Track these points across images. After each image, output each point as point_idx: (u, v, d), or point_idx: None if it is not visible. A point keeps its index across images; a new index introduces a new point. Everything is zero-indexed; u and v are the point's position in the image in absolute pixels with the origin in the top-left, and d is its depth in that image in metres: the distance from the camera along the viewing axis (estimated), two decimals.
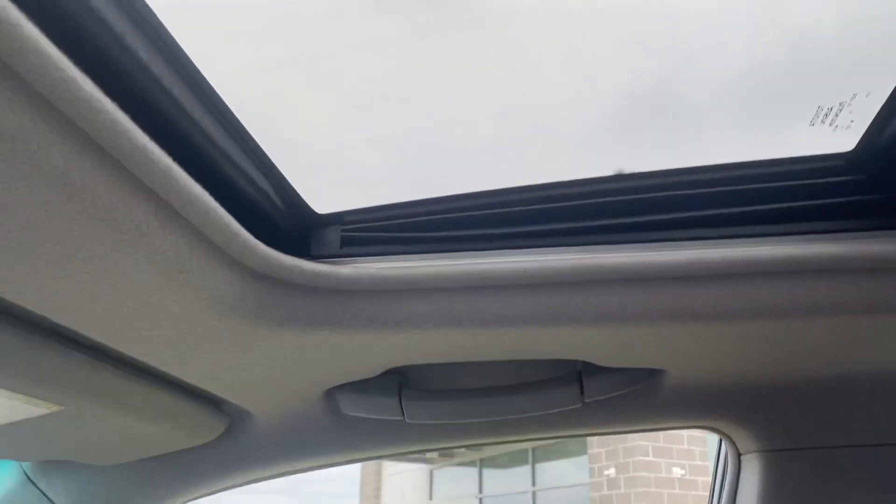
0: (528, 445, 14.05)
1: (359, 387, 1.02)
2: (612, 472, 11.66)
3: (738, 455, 1.23)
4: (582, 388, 1.01)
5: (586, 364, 1.00)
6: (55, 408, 0.84)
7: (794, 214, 0.85)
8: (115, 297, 0.68)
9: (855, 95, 0.75)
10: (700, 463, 11.62)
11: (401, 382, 1.02)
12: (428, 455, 16.97)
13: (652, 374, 1.04)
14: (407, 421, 1.03)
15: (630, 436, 11.44)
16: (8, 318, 0.69)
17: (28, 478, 1.14)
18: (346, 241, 0.87)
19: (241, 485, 1.21)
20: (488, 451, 15.48)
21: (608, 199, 0.87)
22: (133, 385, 0.87)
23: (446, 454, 16.64)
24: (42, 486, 1.14)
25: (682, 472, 11.45)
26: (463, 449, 15.80)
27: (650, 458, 11.36)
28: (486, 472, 15.82)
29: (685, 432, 11.57)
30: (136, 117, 0.56)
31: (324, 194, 0.88)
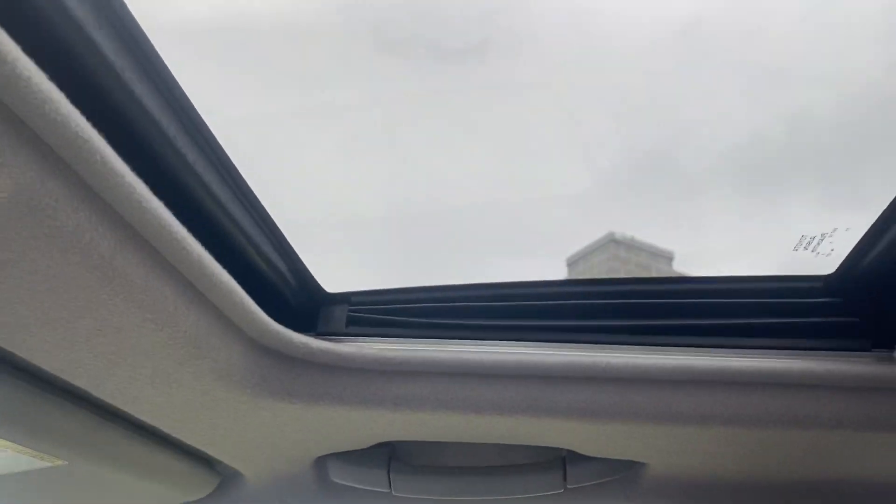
0: None
1: (349, 456, 1.06)
2: None
3: None
4: (565, 474, 1.04)
5: (570, 452, 1.04)
6: (59, 462, 0.87)
7: (775, 330, 0.90)
8: (133, 367, 0.73)
9: (836, 229, 0.81)
10: None
11: (390, 455, 1.05)
12: None
13: (633, 466, 1.08)
14: (393, 493, 1.06)
15: None
16: (29, 379, 0.73)
17: None
18: (351, 321, 0.92)
19: None
20: None
21: (601, 300, 0.92)
22: (134, 443, 0.91)
23: None
24: None
25: None
26: None
27: None
28: None
29: None
30: (169, 201, 0.61)
31: (333, 274, 0.93)
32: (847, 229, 0.81)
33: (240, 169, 0.81)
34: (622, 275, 9.38)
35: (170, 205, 0.61)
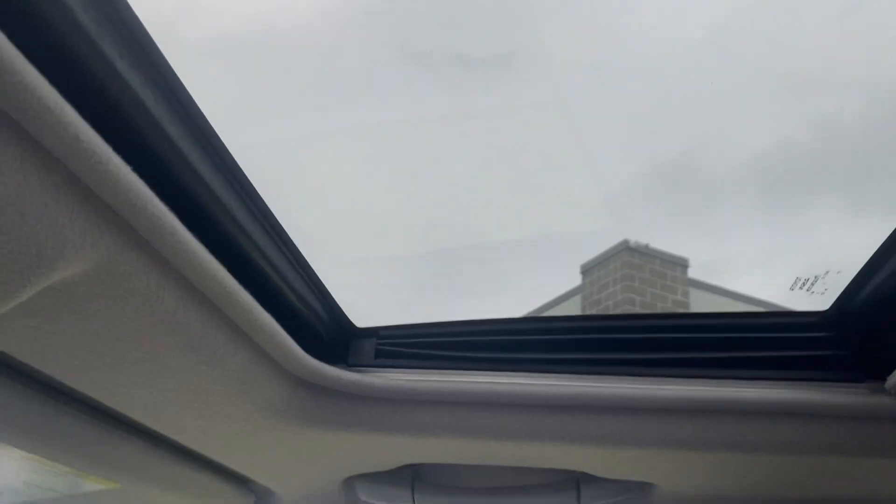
0: None
1: (376, 478, 1.13)
2: None
3: None
4: (579, 494, 1.11)
5: (584, 474, 1.11)
6: (114, 485, 0.95)
7: (774, 362, 0.97)
8: (186, 402, 0.81)
9: (828, 272, 0.88)
10: None
11: (413, 476, 1.13)
12: None
13: (643, 487, 1.14)
14: None
15: None
16: (90, 412, 0.81)
17: None
18: (379, 353, 0.99)
19: None
20: None
21: (612, 335, 0.99)
22: (180, 467, 0.98)
23: None
24: None
25: None
26: None
27: None
28: None
29: None
30: (219, 254, 0.68)
31: (362, 309, 1.01)
32: (838, 272, 0.87)
33: (276, 213, 0.88)
34: (636, 282, 9.40)
35: (220, 257, 0.69)
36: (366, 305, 1.03)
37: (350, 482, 1.15)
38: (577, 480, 1.12)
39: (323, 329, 0.97)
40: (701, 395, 0.94)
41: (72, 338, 0.65)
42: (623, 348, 0.98)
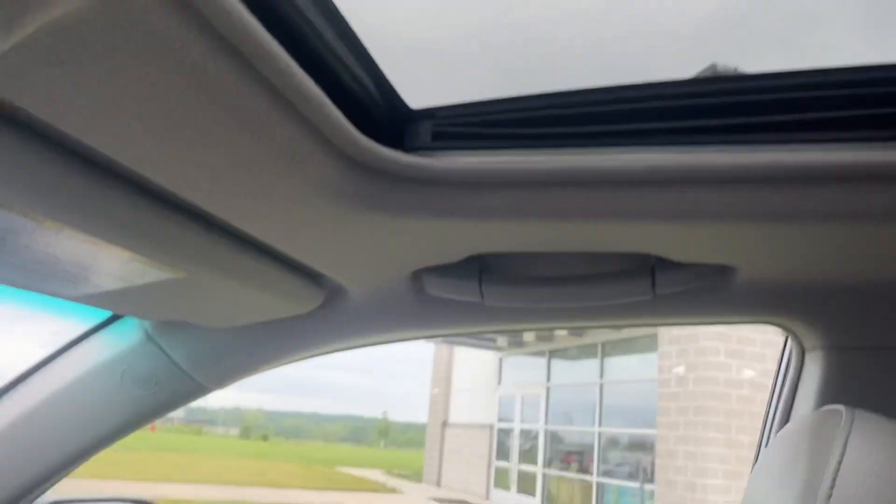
0: (599, 340, 14.23)
1: (443, 270, 1.11)
2: (681, 369, 11.78)
3: (803, 351, 1.29)
4: (654, 281, 1.07)
5: (659, 258, 1.06)
6: (181, 274, 0.96)
7: (872, 120, 0.87)
8: (236, 179, 0.78)
9: None
10: (771, 367, 11.57)
11: (481, 268, 1.10)
12: (498, 343, 17.43)
13: (723, 271, 1.09)
14: (485, 304, 1.12)
15: (702, 336, 11.46)
16: (147, 195, 0.80)
17: (149, 335, 1.30)
18: (437, 136, 0.94)
19: (332, 352, 1.35)
20: (558, 343, 15.79)
21: (686, 101, 0.90)
22: (247, 257, 0.98)
23: (516, 343, 17.05)
24: (161, 343, 1.30)
25: (753, 373, 11.48)
26: (533, 338, 16.07)
27: (721, 359, 11.40)
28: (555, 362, 16.19)
29: (758, 335, 11.51)
30: (258, 15, 0.63)
31: (417, 89, 0.95)
32: None
33: None
34: None
35: (257, 17, 0.63)
36: (421, 89, 0.97)
37: (418, 275, 1.14)
38: (651, 266, 1.07)
39: (375, 109, 0.92)
40: (789, 161, 0.85)
41: (101, 97, 0.61)
42: (699, 114, 0.90)
